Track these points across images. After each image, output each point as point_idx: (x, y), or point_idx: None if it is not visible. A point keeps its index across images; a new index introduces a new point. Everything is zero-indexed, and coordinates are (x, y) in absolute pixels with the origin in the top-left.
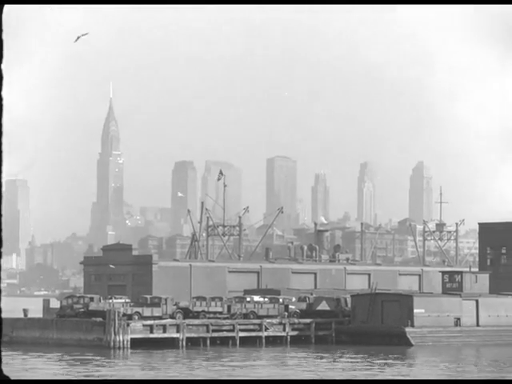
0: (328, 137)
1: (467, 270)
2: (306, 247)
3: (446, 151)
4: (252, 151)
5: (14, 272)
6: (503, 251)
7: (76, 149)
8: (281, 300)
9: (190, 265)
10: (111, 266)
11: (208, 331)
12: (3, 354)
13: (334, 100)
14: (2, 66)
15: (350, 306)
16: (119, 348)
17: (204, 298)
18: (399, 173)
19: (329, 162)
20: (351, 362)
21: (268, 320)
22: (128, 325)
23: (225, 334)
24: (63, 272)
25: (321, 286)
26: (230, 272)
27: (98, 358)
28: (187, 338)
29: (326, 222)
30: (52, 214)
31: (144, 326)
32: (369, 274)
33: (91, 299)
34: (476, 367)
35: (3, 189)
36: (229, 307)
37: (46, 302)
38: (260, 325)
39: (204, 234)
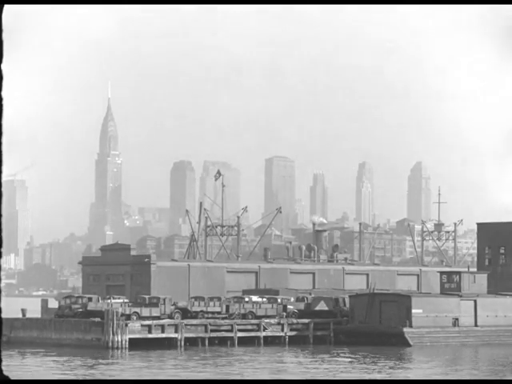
0: (326, 137)
1: (465, 270)
2: (304, 247)
3: (445, 151)
4: (250, 151)
5: (12, 272)
6: (501, 251)
7: (74, 149)
8: (279, 300)
9: (189, 265)
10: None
11: (206, 331)
12: (2, 353)
13: (333, 100)
14: (2, 66)
15: (348, 306)
16: (117, 348)
17: (202, 298)
18: (397, 173)
19: (327, 162)
20: (349, 363)
21: (266, 320)
22: (126, 325)
23: (223, 334)
24: (61, 272)
25: (319, 286)
26: (228, 272)
27: (97, 358)
28: (185, 338)
29: (324, 221)
30: (50, 214)
31: (142, 326)
32: (367, 274)
33: (89, 299)
34: (476, 368)
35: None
36: (227, 307)
37: (45, 302)
38: (258, 325)
39: (202, 235)
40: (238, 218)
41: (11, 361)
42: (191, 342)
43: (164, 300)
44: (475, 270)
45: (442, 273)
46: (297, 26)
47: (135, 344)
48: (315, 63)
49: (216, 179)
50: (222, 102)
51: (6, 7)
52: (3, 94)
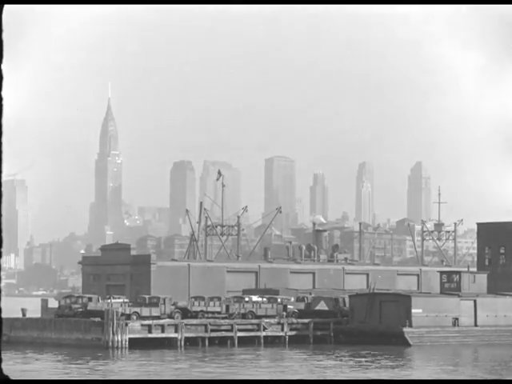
0: (326, 137)
1: (465, 269)
2: (304, 247)
3: (445, 151)
4: (250, 151)
5: (12, 272)
6: (501, 251)
7: (74, 148)
8: (279, 300)
9: (189, 264)
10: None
11: (206, 331)
12: (2, 353)
13: (333, 100)
14: (2, 65)
15: (348, 305)
16: (117, 348)
17: (202, 298)
18: (397, 173)
19: (327, 162)
20: (349, 362)
21: (266, 320)
22: (126, 325)
23: (223, 333)
24: (61, 272)
25: (319, 285)
26: (228, 272)
27: (97, 357)
28: (185, 338)
29: (323, 219)
30: (50, 214)
31: (142, 325)
32: (367, 274)
33: (89, 299)
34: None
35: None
36: (227, 307)
37: (45, 302)
38: (258, 325)
39: (202, 234)
40: (238, 217)
41: (10, 360)
42: (191, 342)
43: (164, 300)
44: (475, 269)
45: (441, 273)
46: (297, 26)
47: (135, 344)
48: (315, 63)
49: (217, 179)
50: (222, 101)
51: (7, 7)
52: (3, 93)
